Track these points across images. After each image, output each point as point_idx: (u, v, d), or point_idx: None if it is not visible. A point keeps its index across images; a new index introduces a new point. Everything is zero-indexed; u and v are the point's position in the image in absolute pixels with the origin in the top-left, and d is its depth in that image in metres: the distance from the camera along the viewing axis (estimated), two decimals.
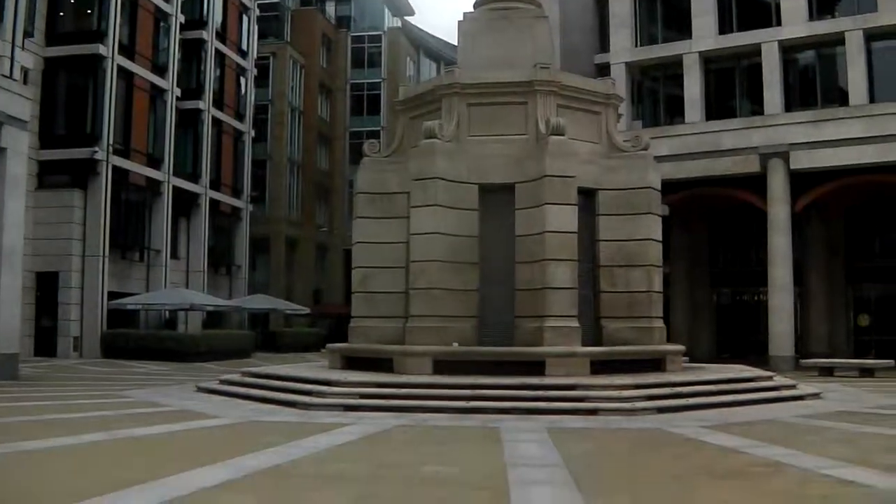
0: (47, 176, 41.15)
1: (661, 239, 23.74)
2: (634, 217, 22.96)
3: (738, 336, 46.95)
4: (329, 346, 25.85)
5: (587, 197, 22.87)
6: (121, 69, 43.11)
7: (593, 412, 17.08)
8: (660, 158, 28.18)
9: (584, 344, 21.52)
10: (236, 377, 23.33)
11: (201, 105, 51.26)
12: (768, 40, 39.80)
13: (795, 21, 39.87)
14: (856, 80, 37.49)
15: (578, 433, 14.46)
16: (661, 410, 17.43)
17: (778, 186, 37.32)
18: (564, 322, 21.19)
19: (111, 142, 41.96)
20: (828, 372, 31.78)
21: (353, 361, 22.92)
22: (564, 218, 21.44)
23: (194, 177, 50.59)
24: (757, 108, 40.26)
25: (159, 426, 15.07)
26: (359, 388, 18.85)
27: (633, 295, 22.75)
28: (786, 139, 37.17)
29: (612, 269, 22.86)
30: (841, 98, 38.83)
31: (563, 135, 21.94)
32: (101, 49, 41.65)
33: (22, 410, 17.55)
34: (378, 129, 72.05)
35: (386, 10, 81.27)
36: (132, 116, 44.34)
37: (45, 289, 40.41)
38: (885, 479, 9.86)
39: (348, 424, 15.39)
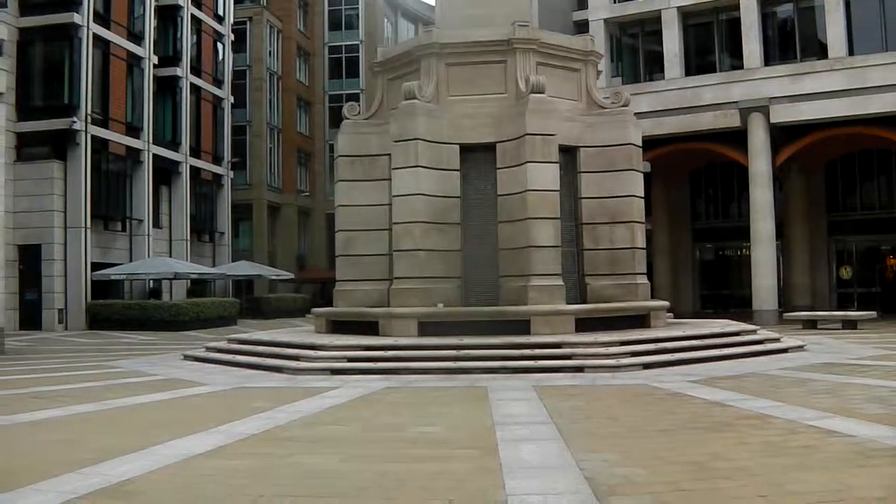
0: (26, 148, 40.78)
1: (643, 195, 23.77)
2: (616, 174, 22.97)
3: (722, 291, 47.22)
4: (314, 310, 25.86)
5: (568, 155, 22.87)
6: (96, 38, 42.63)
7: (579, 369, 17.15)
8: (640, 115, 28.14)
9: (569, 302, 21.59)
10: (222, 344, 23.31)
11: (179, 72, 50.82)
12: None
13: None
14: (834, 32, 37.38)
15: (565, 390, 14.52)
16: (646, 366, 17.52)
17: (758, 141, 37.32)
18: (548, 280, 21.23)
19: (89, 111, 41.61)
20: (811, 325, 31.99)
21: (338, 325, 22.93)
22: (546, 176, 21.42)
23: (174, 145, 50.27)
24: (736, 62, 40.16)
25: (148, 395, 15.05)
26: (345, 352, 18.87)
27: (616, 252, 22.82)
28: (765, 93, 37.13)
29: (595, 227, 22.90)
30: (820, 51, 38.75)
31: (542, 93, 21.87)
32: (76, 17, 41.14)
33: (10, 384, 17.50)
34: (357, 91, 71.64)
35: None
36: (110, 85, 43.93)
37: (28, 262, 40.21)
38: (868, 429, 9.95)
39: (336, 388, 15.41)
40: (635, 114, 24.75)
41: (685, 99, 38.84)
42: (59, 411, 12.97)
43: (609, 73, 42.31)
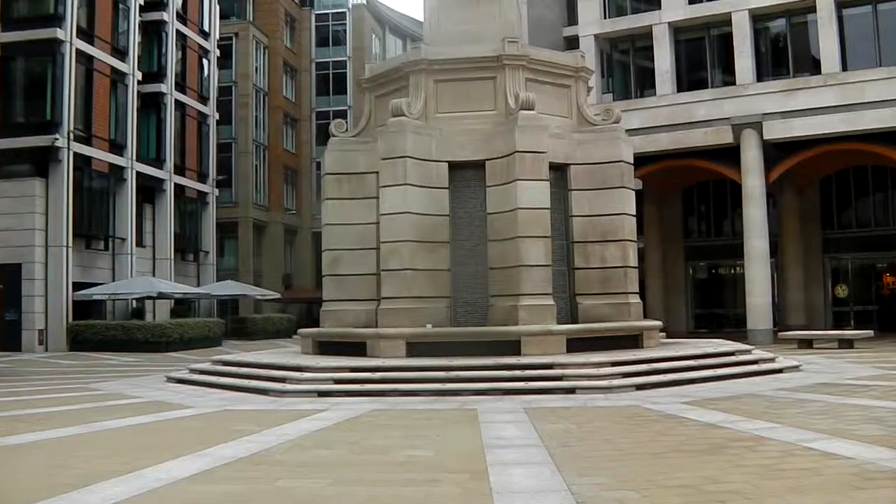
0: (7, 165, 40.73)
1: (634, 213, 23.81)
2: (607, 191, 23.02)
3: (716, 310, 47.30)
4: (300, 331, 25.78)
5: (559, 172, 22.91)
6: (80, 53, 42.62)
7: (571, 391, 17.12)
8: (631, 131, 28.27)
9: (560, 321, 21.57)
10: (207, 366, 23.21)
11: (163, 88, 50.84)
12: (739, 9, 39.82)
13: None
14: (827, 47, 37.61)
15: (557, 412, 14.48)
16: (639, 387, 17.50)
17: (752, 157, 37.48)
18: (539, 300, 21.21)
19: (72, 128, 41.53)
20: (807, 344, 32.00)
21: (325, 346, 22.87)
22: (536, 194, 21.43)
23: (158, 162, 50.22)
24: (729, 78, 40.37)
25: (131, 418, 14.96)
26: (332, 374, 18.80)
27: (607, 270, 22.83)
28: (758, 109, 37.32)
29: (586, 245, 22.92)
30: (813, 66, 38.98)
31: (532, 109, 21.91)
32: (59, 33, 41.14)
33: None
34: (345, 108, 71.79)
35: None
36: (93, 102, 43.88)
37: (8, 281, 40.03)
38: (867, 450, 9.93)
39: (322, 410, 15.35)
40: (626, 130, 24.85)
41: (677, 115, 39.01)
42: (42, 434, 12.89)
43: (600, 90, 42.48)
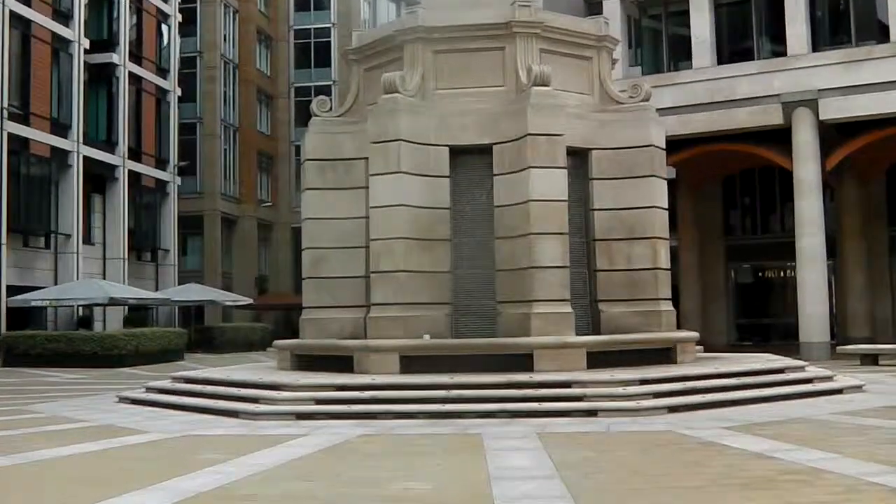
0: None
1: (666, 206, 23.81)
2: (635, 181, 23.01)
3: (762, 319, 47.33)
4: (276, 343, 25.78)
5: (578, 158, 22.91)
6: (15, 16, 42.58)
7: (592, 413, 17.13)
8: (663, 111, 28.23)
9: (579, 332, 21.58)
10: (166, 383, 23.21)
11: (115, 59, 50.83)
12: None
13: None
14: None
15: (575, 438, 14.49)
16: (672, 409, 17.50)
17: (805, 141, 37.44)
18: (555, 307, 21.21)
19: (6, 105, 41.48)
20: (871, 360, 31.92)
21: (305, 360, 22.86)
22: (552, 184, 21.42)
23: (109, 145, 50.25)
24: (778, 48, 40.30)
25: (76, 446, 14.95)
26: (313, 393, 18.80)
27: (635, 273, 22.83)
28: (813, 84, 37.23)
29: (610, 244, 22.92)
30: (879, 33, 38.85)
31: (547, 85, 21.91)
32: None
33: None
34: (329, 83, 71.85)
35: None
36: (30, 73, 43.90)
37: None
38: None
39: (302, 436, 15.35)
40: (657, 110, 24.82)
41: (717, 92, 38.98)
42: None
43: (626, 62, 42.47)
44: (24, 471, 12.68)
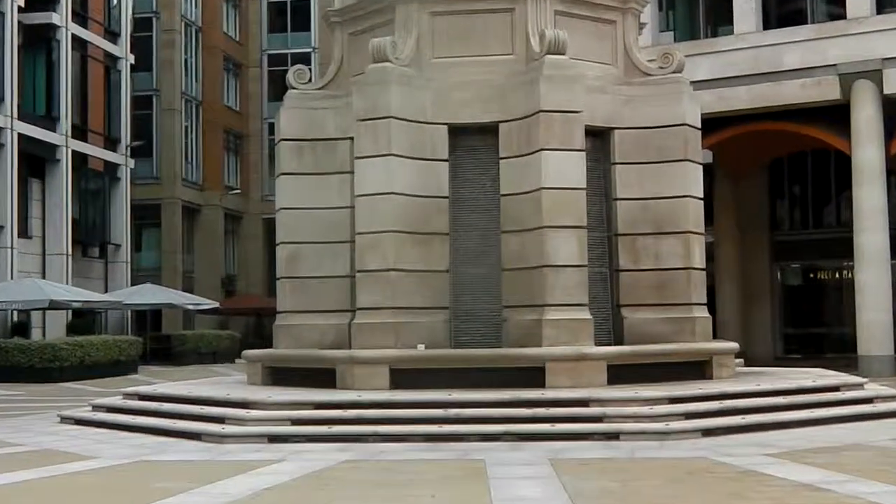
0: None
1: (702, 196, 23.86)
2: (664, 166, 23.06)
3: (813, 328, 47.30)
4: (246, 353, 25.83)
5: (598, 139, 22.98)
6: None
7: (614, 436, 17.19)
8: (698, 84, 28.27)
9: (599, 342, 21.64)
10: (117, 401, 23.28)
11: (56, 19, 50.56)
12: None
13: None
14: None
15: (593, 465, 14.56)
16: (707, 433, 17.56)
17: (866, 119, 37.40)
18: (570, 313, 21.27)
19: None
20: None
21: (280, 374, 22.93)
22: (567, 168, 21.48)
23: (49, 121, 50.12)
24: (835, 10, 40.26)
25: (9, 474, 14.97)
26: (289, 411, 18.85)
27: (664, 273, 22.89)
28: (877, 53, 37.16)
29: (636, 239, 22.97)
30: None
31: (563, 53, 21.95)
32: None
33: None
34: (308, 51, 71.86)
35: None
36: None
37: None
38: None
39: (275, 462, 15.41)
40: (692, 83, 24.86)
41: (762, 62, 38.98)
42: None
43: (656, 27, 42.45)
44: None
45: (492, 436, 17.24)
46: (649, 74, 23.83)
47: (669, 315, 22.78)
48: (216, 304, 59.28)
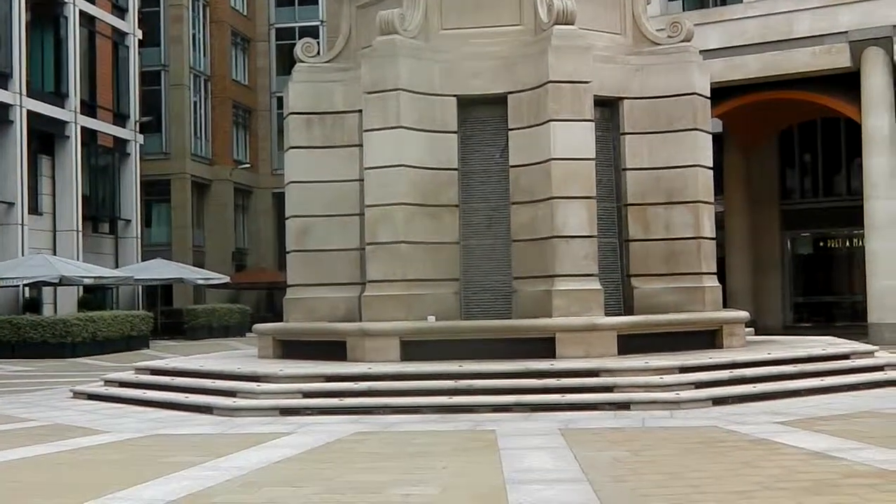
0: None
1: (711, 165, 23.81)
2: (674, 135, 23.01)
3: (824, 297, 47.24)
4: (257, 327, 25.88)
5: (608, 109, 22.92)
6: None
7: (624, 406, 17.20)
8: (708, 53, 28.19)
9: (609, 312, 21.63)
10: (128, 375, 23.33)
11: None
12: None
13: None
14: None
15: (604, 435, 14.55)
16: (717, 401, 17.55)
17: (877, 87, 37.23)
18: (580, 283, 21.25)
19: None
20: None
21: (291, 347, 22.97)
22: (577, 139, 21.43)
23: (58, 98, 50.08)
24: None
25: (23, 449, 15.02)
26: (300, 384, 18.87)
27: (674, 243, 22.87)
28: (888, 19, 37.00)
29: (646, 209, 22.94)
30: None
31: (572, 23, 21.87)
32: None
33: None
34: (316, 24, 71.74)
35: None
36: None
37: None
38: None
39: (287, 434, 15.43)
40: (701, 52, 24.78)
41: (772, 30, 38.79)
42: None
43: None
44: None
45: (502, 407, 17.25)
46: (658, 44, 23.76)
47: (680, 285, 22.77)
48: (227, 279, 59.27)
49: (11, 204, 45.79)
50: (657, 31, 24.46)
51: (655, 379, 18.25)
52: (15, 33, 46.58)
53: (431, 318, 21.39)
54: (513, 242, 22.20)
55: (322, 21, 71.75)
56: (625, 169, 23.02)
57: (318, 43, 25.17)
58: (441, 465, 12.66)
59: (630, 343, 20.54)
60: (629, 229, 22.98)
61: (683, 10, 41.48)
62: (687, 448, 13.43)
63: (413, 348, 20.63)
